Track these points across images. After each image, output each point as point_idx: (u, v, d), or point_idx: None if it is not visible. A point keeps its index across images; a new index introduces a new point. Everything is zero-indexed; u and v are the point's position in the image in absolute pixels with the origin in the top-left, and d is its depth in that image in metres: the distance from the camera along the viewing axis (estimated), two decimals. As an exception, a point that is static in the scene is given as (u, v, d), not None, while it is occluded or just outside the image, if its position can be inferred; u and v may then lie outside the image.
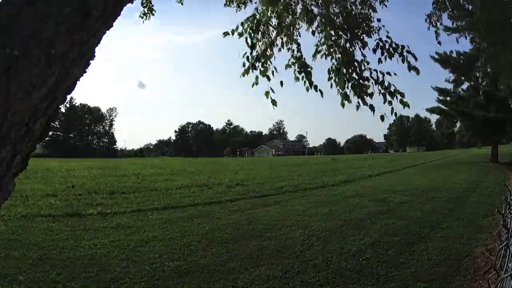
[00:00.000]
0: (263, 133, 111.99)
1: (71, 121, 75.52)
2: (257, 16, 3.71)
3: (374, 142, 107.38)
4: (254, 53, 3.68)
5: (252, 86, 3.65)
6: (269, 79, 3.63)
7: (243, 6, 4.54)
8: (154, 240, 5.82)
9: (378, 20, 3.57)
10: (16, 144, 1.02)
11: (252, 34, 3.67)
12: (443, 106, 27.88)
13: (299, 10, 3.88)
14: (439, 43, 4.27)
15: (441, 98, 27.60)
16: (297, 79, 3.72)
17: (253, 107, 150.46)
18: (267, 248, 5.35)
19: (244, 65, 3.70)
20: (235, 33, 3.66)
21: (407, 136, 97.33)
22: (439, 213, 7.85)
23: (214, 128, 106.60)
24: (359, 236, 6.00)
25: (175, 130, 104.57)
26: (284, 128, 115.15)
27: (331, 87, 3.54)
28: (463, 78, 26.02)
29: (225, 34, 3.68)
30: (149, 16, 5.20)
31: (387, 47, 3.41)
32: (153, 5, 5.17)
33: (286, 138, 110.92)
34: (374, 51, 3.49)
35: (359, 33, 3.55)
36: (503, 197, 6.27)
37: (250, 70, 3.66)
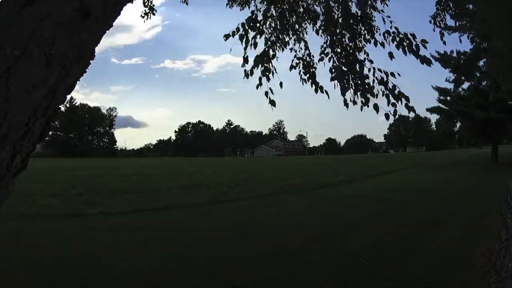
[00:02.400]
0: (263, 133, 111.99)
1: (71, 121, 75.48)
2: (257, 16, 3.66)
3: (374, 142, 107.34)
4: (250, 53, 3.62)
5: (257, 88, 3.58)
6: (268, 79, 3.55)
7: (246, 6, 4.51)
8: (154, 240, 5.82)
9: (381, 11, 3.49)
10: (16, 144, 1.02)
11: (250, 34, 3.60)
12: (443, 106, 27.89)
13: (301, 9, 3.86)
14: (444, 43, 4.23)
15: (441, 98, 27.61)
16: (303, 81, 3.64)
17: (253, 107, 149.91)
18: (267, 248, 5.35)
19: (243, 66, 3.62)
20: (236, 35, 3.57)
21: (407, 136, 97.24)
22: (439, 213, 7.85)
23: (214, 128, 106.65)
24: (359, 236, 5.99)
25: (175, 130, 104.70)
26: (284, 128, 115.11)
27: (335, 87, 3.43)
28: (463, 78, 26.03)
29: (227, 36, 3.55)
30: (150, 16, 5.23)
31: (397, 39, 3.25)
32: (154, 5, 5.19)
33: (286, 138, 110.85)
34: (383, 45, 3.34)
35: (362, 32, 3.50)
36: (503, 197, 6.27)
37: (254, 70, 3.58)
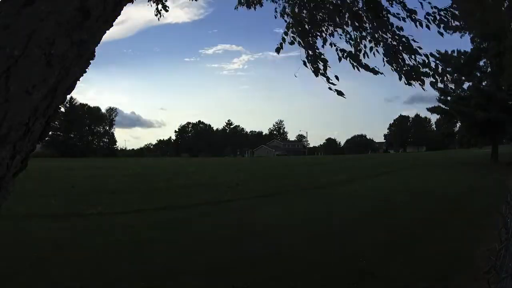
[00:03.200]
0: (263, 133, 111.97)
1: (71, 121, 75.46)
2: (292, 21, 3.71)
3: (374, 142, 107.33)
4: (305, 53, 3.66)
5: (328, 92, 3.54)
6: (320, 75, 3.55)
7: (255, 6, 4.53)
8: (154, 240, 5.82)
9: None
10: (16, 144, 1.02)
11: (302, 38, 3.67)
12: (443, 106, 27.89)
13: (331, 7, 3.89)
14: (428, 27, 4.28)
15: (441, 97, 27.61)
16: (356, 68, 3.64)
17: (253, 107, 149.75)
18: (267, 248, 5.34)
19: (306, 65, 3.61)
20: (286, 42, 3.65)
21: (407, 136, 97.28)
22: (439, 213, 7.85)
23: (214, 128, 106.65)
24: (359, 236, 5.99)
25: (175, 130, 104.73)
26: (284, 128, 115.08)
27: (384, 64, 3.49)
28: (463, 78, 26.04)
29: (278, 49, 3.69)
30: (163, 14, 5.25)
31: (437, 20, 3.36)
32: (165, 1, 5.19)
33: (286, 138, 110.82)
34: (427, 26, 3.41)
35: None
36: (502, 197, 6.27)
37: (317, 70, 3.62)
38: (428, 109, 28.71)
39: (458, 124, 30.65)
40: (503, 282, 1.87)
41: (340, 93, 3.43)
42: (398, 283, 3.98)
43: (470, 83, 25.98)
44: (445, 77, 3.27)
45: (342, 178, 16.26)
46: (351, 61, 3.65)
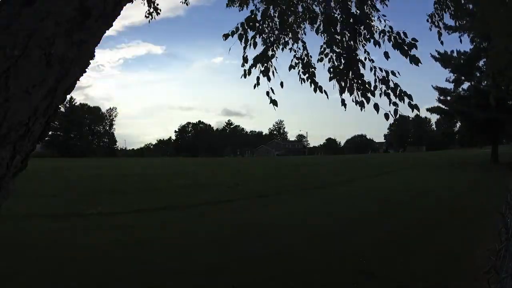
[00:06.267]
0: (263, 133, 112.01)
1: (71, 121, 75.43)
2: (257, 16, 3.64)
3: (374, 142, 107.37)
4: (248, 53, 3.59)
5: (254, 88, 3.56)
6: (269, 79, 3.52)
7: (245, 6, 4.48)
8: (154, 240, 5.82)
9: (376, 10, 3.46)
10: (16, 144, 1.02)
11: (250, 34, 3.56)
12: (443, 106, 27.90)
13: (300, 9, 3.84)
14: (442, 42, 4.16)
15: (441, 98, 27.62)
16: (302, 80, 3.59)
17: (253, 106, 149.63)
18: (267, 248, 5.34)
19: (243, 65, 3.62)
20: (235, 35, 3.50)
21: (407, 136, 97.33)
22: (439, 213, 7.85)
23: (214, 128, 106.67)
24: (359, 236, 5.99)
25: (175, 130, 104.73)
26: (284, 128, 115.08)
27: (333, 87, 3.35)
28: (463, 78, 26.05)
29: (226, 36, 3.51)
30: (154, 16, 5.17)
31: (392, 38, 3.14)
32: (157, 4, 5.13)
33: (286, 138, 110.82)
34: (379, 44, 3.24)
35: (361, 31, 3.46)
36: (502, 197, 6.27)
37: (252, 70, 3.57)
38: (428, 109, 28.70)
39: (458, 124, 30.68)
40: (503, 282, 1.87)
41: (274, 102, 3.43)
42: (398, 283, 3.98)
43: (470, 83, 25.98)
44: (403, 100, 2.99)
45: (342, 178, 16.27)
46: (301, 72, 3.59)
